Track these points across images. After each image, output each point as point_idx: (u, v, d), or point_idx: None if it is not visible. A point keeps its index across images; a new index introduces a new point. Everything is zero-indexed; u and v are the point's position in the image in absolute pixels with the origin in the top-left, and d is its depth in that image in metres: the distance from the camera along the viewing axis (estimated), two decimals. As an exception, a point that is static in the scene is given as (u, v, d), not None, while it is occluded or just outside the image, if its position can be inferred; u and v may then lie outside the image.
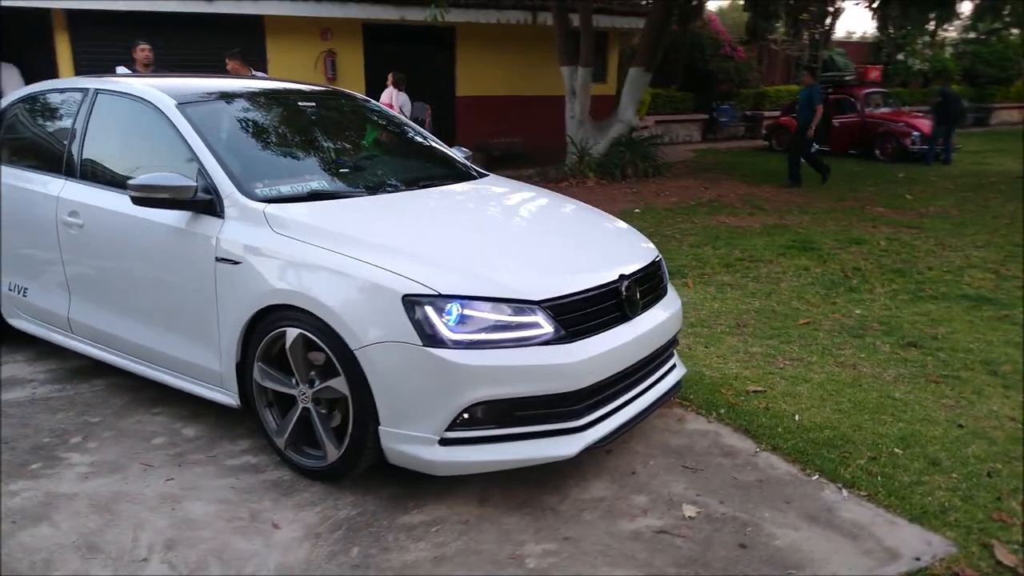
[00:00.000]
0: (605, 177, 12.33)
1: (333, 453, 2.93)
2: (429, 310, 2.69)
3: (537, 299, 2.80)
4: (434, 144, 4.42)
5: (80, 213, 3.65)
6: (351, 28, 12.68)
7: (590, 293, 2.96)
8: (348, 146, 4.01)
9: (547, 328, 2.79)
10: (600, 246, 3.48)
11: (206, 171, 3.24)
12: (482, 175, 4.21)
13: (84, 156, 3.78)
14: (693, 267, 6.79)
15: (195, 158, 3.29)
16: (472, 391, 2.68)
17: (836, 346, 4.74)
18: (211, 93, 3.83)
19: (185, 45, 10.90)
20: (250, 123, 3.73)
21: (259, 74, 7.78)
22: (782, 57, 23.56)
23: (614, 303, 3.05)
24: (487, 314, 2.76)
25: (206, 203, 3.19)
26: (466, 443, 2.76)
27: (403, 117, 4.62)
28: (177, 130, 3.39)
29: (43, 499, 2.90)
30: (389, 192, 3.61)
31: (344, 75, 12.78)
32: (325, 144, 3.89)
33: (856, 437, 3.47)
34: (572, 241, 3.45)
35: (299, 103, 4.09)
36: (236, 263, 3.07)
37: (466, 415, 2.73)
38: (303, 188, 3.34)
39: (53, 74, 10.29)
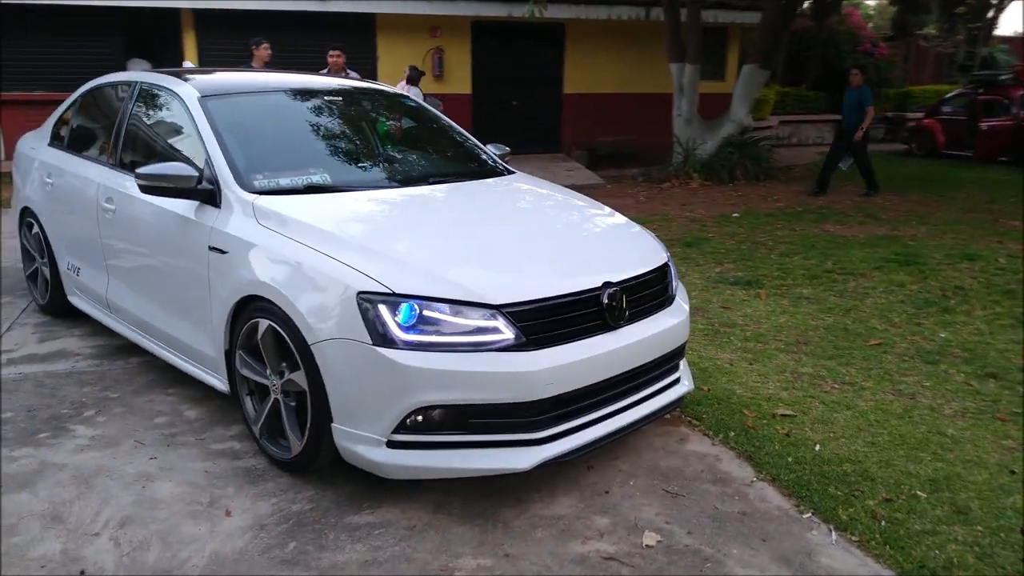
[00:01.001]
0: (711, 178, 11.80)
1: (296, 445, 2.93)
2: (382, 309, 2.63)
3: (497, 303, 2.68)
4: (462, 141, 4.35)
5: (114, 199, 3.87)
6: (459, 25, 12.83)
7: (562, 299, 2.80)
8: (365, 142, 4.01)
9: (507, 334, 2.66)
10: (594, 251, 3.29)
11: (211, 161, 3.34)
12: (509, 172, 4.11)
13: (122, 145, 4.00)
14: (774, 277, 6.36)
15: (204, 148, 3.40)
16: (419, 394, 2.59)
17: (901, 372, 4.28)
18: (242, 88, 3.95)
19: (301, 44, 11.39)
20: (270, 117, 3.82)
21: (352, 74, 7.98)
22: (932, 54, 21.67)
23: (594, 311, 2.87)
24: (443, 316, 2.66)
25: (208, 193, 3.28)
26: (415, 447, 2.68)
27: (437, 112, 4.57)
28: (194, 121, 3.52)
29: (36, 467, 3.08)
30: (390, 188, 3.58)
31: (451, 72, 12.97)
32: (340, 140, 3.91)
33: (879, 475, 3.10)
34: (564, 245, 3.28)
35: (326, 98, 4.13)
36: (224, 252, 3.14)
37: (419, 418, 2.65)
38: (301, 181, 3.37)
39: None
